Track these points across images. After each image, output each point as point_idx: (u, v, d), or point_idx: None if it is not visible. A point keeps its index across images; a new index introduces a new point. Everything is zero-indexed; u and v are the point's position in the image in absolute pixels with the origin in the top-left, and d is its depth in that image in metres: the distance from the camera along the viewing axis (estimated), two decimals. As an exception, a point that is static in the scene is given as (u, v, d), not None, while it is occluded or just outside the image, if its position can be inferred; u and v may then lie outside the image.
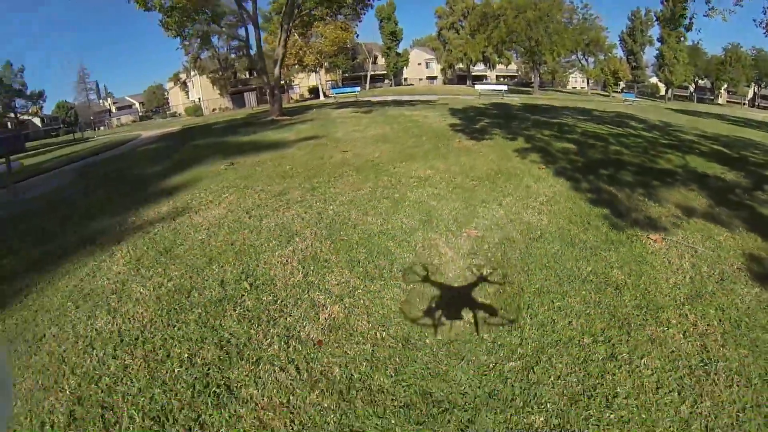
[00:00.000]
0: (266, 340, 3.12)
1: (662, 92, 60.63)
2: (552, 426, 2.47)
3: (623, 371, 2.87)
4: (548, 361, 2.92)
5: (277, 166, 7.84)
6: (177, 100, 65.97)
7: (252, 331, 3.22)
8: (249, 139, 12.55)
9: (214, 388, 2.74)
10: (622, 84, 59.45)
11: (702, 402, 2.66)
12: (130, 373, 2.91)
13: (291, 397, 2.65)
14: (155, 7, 22.42)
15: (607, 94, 55.56)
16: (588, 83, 64.29)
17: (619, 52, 61.36)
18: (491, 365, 2.90)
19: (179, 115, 57.07)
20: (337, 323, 3.26)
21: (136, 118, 69.27)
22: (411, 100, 24.36)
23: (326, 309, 3.42)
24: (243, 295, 3.65)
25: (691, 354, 3.04)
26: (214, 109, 51.90)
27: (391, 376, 2.83)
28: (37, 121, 61.87)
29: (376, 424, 2.47)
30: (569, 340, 3.13)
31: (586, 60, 59.05)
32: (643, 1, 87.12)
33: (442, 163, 7.56)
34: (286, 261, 4.14)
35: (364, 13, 27.08)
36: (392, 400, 2.66)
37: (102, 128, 55.18)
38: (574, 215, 5.33)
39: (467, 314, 3.41)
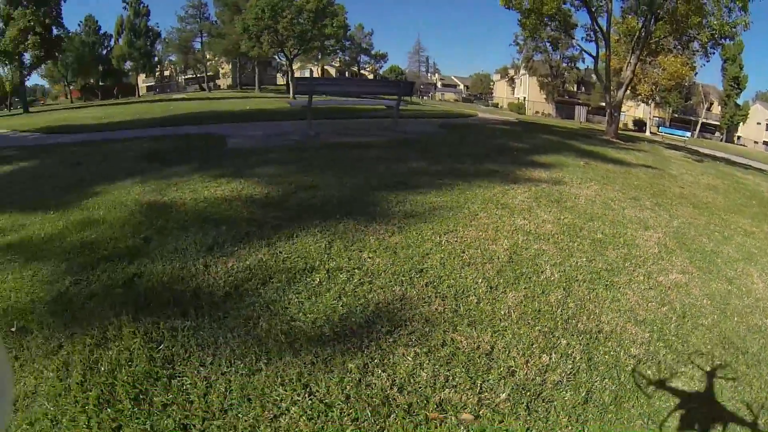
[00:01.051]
0: (634, 272, 4.96)
1: None
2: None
3: None
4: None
5: (626, 179, 9.50)
6: (501, 93, 69.61)
7: (626, 264, 5.10)
8: (591, 149, 14.25)
9: (603, 275, 4.67)
10: None
11: None
12: (545, 252, 4.99)
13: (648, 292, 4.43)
14: (516, 7, 24.45)
15: None
16: None
17: None
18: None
19: (500, 107, 59.62)
20: (678, 284, 4.94)
21: (459, 98, 74.44)
22: (744, 163, 22.97)
23: (672, 274, 5.12)
24: (619, 245, 5.57)
25: None
26: (536, 112, 53.40)
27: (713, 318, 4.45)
28: (370, 77, 71.02)
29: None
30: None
31: None
32: None
33: (767, 226, 8.43)
34: (646, 239, 5.93)
35: (713, 53, 25.87)
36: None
37: (425, 98, 60.41)
38: None
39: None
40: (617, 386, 3.12)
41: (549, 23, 26.61)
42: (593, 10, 24.00)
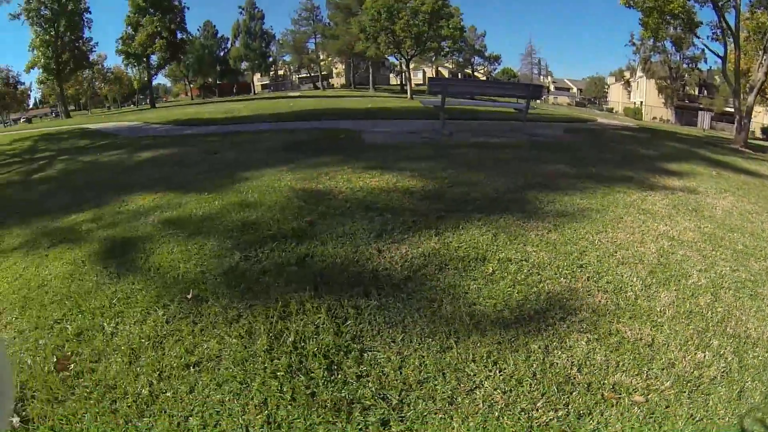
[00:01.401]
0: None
1: None
2: None
3: None
4: None
5: (761, 191, 9.22)
6: (616, 97, 66.65)
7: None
8: (720, 158, 13.67)
9: (747, 285, 4.72)
10: None
11: None
12: (690, 258, 5.06)
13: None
14: (637, 5, 23.17)
15: None
16: None
17: None
18: None
19: (616, 112, 56.81)
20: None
21: (572, 102, 71.87)
22: None
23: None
24: (760, 258, 5.53)
25: None
26: (654, 117, 50.15)
27: None
28: (482, 78, 71.24)
29: None
30: None
31: None
32: None
33: None
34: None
35: None
36: None
37: (538, 102, 59.14)
38: None
39: None
40: (767, 388, 3.37)
41: (672, 22, 25.18)
42: (720, 5, 22.46)
